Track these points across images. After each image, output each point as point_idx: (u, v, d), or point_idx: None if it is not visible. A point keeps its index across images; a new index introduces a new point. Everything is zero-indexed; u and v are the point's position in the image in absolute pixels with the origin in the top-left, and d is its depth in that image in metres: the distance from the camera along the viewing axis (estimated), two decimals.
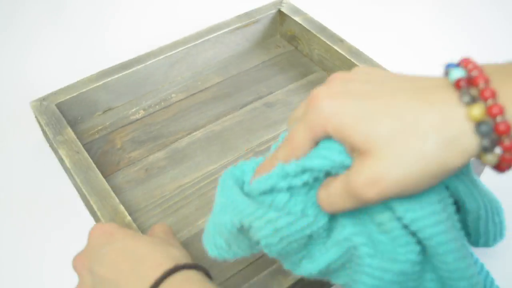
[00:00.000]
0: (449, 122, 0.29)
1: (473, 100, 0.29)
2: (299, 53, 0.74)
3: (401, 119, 0.30)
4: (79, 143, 0.57)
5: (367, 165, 0.31)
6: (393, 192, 0.31)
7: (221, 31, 0.70)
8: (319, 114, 0.33)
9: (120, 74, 0.64)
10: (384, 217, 0.34)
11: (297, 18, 0.72)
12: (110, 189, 0.52)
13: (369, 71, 0.35)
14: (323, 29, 0.70)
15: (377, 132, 0.30)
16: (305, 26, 0.70)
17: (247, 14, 0.73)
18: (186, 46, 0.68)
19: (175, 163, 0.60)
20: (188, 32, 0.70)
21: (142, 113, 0.67)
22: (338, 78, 0.35)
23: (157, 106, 0.67)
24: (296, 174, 0.35)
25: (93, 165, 0.55)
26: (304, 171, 0.35)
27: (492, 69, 0.31)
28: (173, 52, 0.67)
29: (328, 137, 0.34)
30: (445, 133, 0.29)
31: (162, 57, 0.67)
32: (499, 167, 0.31)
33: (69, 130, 0.58)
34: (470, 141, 0.29)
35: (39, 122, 0.61)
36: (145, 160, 0.61)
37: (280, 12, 0.73)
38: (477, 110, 0.29)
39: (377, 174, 0.30)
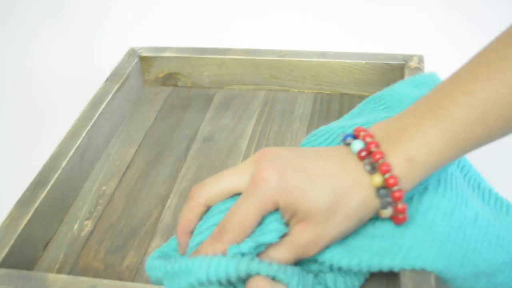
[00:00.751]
0: (361, 188, 0.38)
1: (374, 169, 0.38)
2: None
3: (334, 189, 0.37)
4: None
5: (308, 230, 0.37)
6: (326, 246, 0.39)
7: None
8: (271, 191, 0.37)
9: (38, 204, 0.50)
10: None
11: None
12: None
13: (279, 149, 0.41)
14: None
15: (318, 204, 0.37)
16: None
17: None
18: None
19: None
20: None
21: (89, 223, 0.52)
22: (269, 153, 0.40)
23: (98, 207, 0.54)
24: (250, 252, 0.37)
25: None
26: (257, 247, 0.38)
27: (380, 133, 0.39)
28: None
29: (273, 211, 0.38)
30: (360, 196, 0.38)
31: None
32: (395, 220, 0.39)
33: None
34: (374, 202, 0.38)
35: None
36: (149, 255, 0.48)
37: None
38: (378, 179, 0.37)
39: (318, 237, 0.38)
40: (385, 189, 0.38)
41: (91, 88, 0.67)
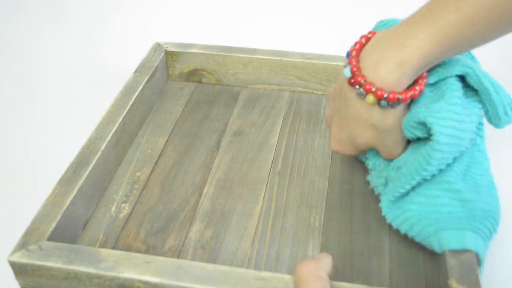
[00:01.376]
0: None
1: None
2: None
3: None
4: None
5: None
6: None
7: None
8: None
9: (80, 183, 0.50)
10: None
11: None
12: None
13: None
14: None
15: None
16: None
17: None
18: None
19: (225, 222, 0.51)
20: None
21: (126, 206, 0.53)
22: None
23: (134, 191, 0.54)
24: None
25: None
26: None
27: (378, 39, 0.45)
28: None
29: None
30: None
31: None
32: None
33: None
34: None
35: None
36: (190, 239, 0.49)
37: None
38: (370, 98, 0.44)
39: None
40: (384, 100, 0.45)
41: (115, 80, 0.68)
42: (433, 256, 0.47)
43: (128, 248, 0.49)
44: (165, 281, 0.40)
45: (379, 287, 0.45)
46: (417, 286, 0.45)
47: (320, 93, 0.67)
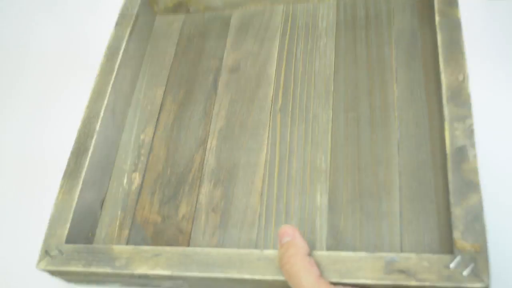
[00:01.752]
0: None
1: None
2: None
3: None
4: None
5: None
6: None
7: None
8: None
9: (84, 173, 0.50)
10: None
11: None
12: None
13: None
14: None
15: None
16: None
17: None
18: None
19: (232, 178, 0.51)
20: None
21: (136, 176, 0.54)
22: None
23: (142, 158, 0.55)
24: None
25: None
26: None
27: None
28: None
29: None
30: None
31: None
32: None
33: None
34: None
35: None
36: (201, 203, 0.50)
37: None
38: None
39: None
40: None
41: (100, 38, 0.64)
42: (444, 187, 0.45)
43: (146, 221, 0.51)
44: (175, 272, 0.42)
45: (383, 252, 0.44)
46: (429, 222, 0.44)
47: (316, 0, 0.61)
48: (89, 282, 0.48)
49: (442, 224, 0.44)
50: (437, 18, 0.49)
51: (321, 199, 0.47)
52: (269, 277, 0.40)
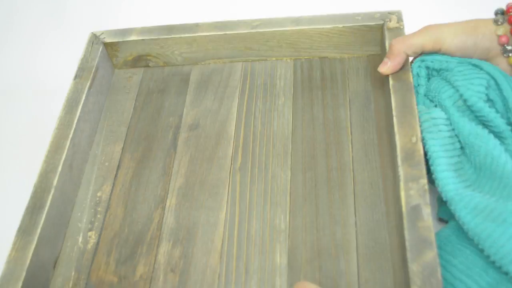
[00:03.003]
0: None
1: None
2: None
3: None
4: None
5: None
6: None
7: None
8: None
9: (39, 229, 0.49)
10: None
11: None
12: None
13: None
14: None
15: None
16: None
17: None
18: None
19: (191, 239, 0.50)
20: None
21: (92, 235, 0.53)
22: None
23: (98, 216, 0.54)
24: None
25: None
26: None
27: None
28: None
29: None
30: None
31: None
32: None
33: None
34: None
35: None
36: (159, 263, 0.49)
37: None
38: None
39: None
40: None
41: (57, 86, 0.64)
42: (399, 245, 0.46)
43: (101, 282, 0.49)
44: None
45: None
46: (385, 281, 0.45)
47: (274, 58, 0.63)
48: None
49: (398, 282, 0.45)
50: (391, 82, 0.52)
51: (280, 259, 0.48)
52: None
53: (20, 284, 0.46)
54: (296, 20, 0.60)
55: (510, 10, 0.51)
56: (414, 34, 0.53)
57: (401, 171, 0.46)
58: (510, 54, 0.50)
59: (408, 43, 0.52)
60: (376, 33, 0.58)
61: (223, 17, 0.64)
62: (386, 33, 0.56)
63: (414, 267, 0.41)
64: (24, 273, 0.46)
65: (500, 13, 0.52)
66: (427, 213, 0.43)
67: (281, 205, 0.51)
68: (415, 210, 0.44)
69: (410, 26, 0.57)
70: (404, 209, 0.44)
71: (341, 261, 0.47)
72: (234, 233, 0.50)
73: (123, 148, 0.58)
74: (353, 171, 0.52)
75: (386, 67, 0.52)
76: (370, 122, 0.55)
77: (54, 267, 0.51)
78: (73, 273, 0.51)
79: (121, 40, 0.63)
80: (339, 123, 0.56)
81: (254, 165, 0.54)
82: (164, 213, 0.53)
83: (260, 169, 0.54)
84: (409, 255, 0.42)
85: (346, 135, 0.55)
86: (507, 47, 0.50)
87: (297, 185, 0.52)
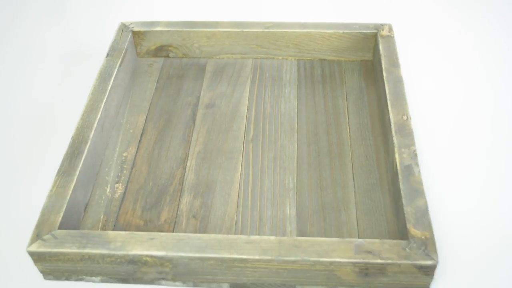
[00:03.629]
0: None
1: None
2: None
3: None
4: None
5: None
6: None
7: None
8: None
9: (78, 172, 0.55)
10: None
11: None
12: None
13: None
14: None
15: None
16: None
17: None
18: None
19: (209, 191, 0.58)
20: None
21: (119, 186, 0.59)
22: None
23: (124, 171, 0.60)
24: None
25: None
26: None
27: None
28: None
29: None
30: None
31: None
32: None
33: None
34: None
35: None
36: (181, 210, 0.56)
37: None
38: None
39: None
40: None
41: (86, 63, 0.71)
42: (392, 204, 0.55)
43: (129, 224, 0.55)
44: (170, 253, 0.47)
45: (350, 238, 0.53)
46: (381, 231, 0.53)
47: (280, 58, 0.72)
48: (70, 274, 0.51)
49: (391, 231, 0.53)
50: (384, 75, 0.62)
51: (290, 210, 0.56)
52: (256, 256, 0.46)
53: (61, 215, 0.51)
54: (303, 25, 0.70)
55: None
56: None
57: (395, 140, 0.56)
58: None
59: None
60: (369, 41, 0.69)
61: (241, 19, 0.73)
62: (380, 39, 0.67)
63: (408, 210, 0.50)
64: (64, 206, 0.52)
65: None
66: (418, 171, 0.53)
67: (290, 169, 0.59)
68: (408, 168, 0.53)
69: (399, 37, 0.68)
70: (399, 167, 0.53)
71: (342, 213, 0.55)
72: (249, 189, 0.58)
73: (146, 119, 0.66)
74: (350, 146, 0.61)
75: None
76: (364, 110, 0.65)
77: (85, 210, 0.57)
78: (102, 217, 0.56)
79: (148, 29, 0.71)
80: (337, 109, 0.65)
81: (265, 138, 0.63)
82: (185, 172, 0.60)
83: (270, 141, 0.62)
84: (404, 201, 0.50)
85: (344, 119, 0.64)
86: None
87: (303, 155, 0.61)
